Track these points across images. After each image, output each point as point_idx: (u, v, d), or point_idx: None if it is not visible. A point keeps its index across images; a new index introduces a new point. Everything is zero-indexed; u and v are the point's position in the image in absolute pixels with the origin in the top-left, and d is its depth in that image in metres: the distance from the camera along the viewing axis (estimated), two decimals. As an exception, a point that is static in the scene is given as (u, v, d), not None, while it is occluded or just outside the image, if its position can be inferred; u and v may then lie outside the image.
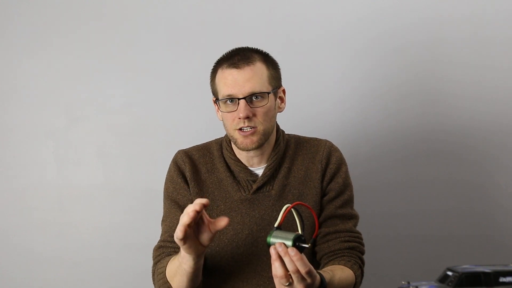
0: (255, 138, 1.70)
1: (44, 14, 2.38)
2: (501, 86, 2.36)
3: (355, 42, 2.37)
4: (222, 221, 1.50)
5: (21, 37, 2.38)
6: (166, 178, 1.83)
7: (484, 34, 2.36)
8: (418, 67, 2.37)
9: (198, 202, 1.45)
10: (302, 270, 1.38)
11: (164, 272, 1.66)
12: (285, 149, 1.81)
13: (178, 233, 1.46)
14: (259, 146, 1.72)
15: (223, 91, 1.70)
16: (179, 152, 1.83)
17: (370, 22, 2.37)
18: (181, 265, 1.58)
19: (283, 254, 1.38)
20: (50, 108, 2.38)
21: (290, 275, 1.40)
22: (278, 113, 1.79)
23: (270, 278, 1.68)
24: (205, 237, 1.52)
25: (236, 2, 2.38)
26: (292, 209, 1.43)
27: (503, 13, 2.36)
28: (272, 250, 1.39)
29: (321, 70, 2.38)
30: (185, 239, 1.47)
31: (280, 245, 1.38)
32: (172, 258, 1.66)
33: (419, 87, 2.37)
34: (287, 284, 1.40)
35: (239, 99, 1.67)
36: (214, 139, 1.87)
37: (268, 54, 1.77)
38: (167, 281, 1.65)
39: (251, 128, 1.69)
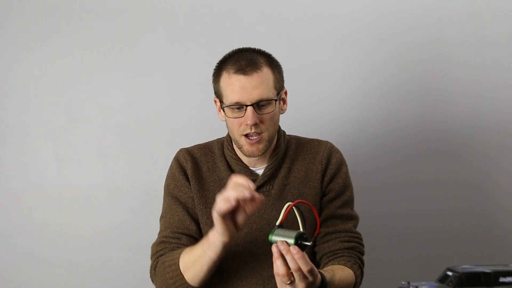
0: (261, 146, 1.71)
1: (44, 14, 2.38)
2: (501, 86, 2.36)
3: (355, 42, 2.37)
4: (259, 200, 1.49)
5: (21, 37, 2.38)
6: (167, 175, 1.83)
7: (483, 34, 2.36)
8: (418, 67, 2.37)
9: (257, 197, 1.47)
10: (304, 269, 1.38)
11: (177, 264, 1.64)
12: (286, 150, 1.81)
13: (223, 206, 1.47)
14: (264, 153, 1.73)
15: (230, 98, 1.69)
16: (181, 150, 1.84)
17: (370, 22, 2.37)
18: (205, 253, 1.58)
19: (285, 252, 1.38)
20: (50, 108, 2.38)
21: (291, 273, 1.40)
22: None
23: (269, 277, 1.69)
24: (240, 218, 1.53)
25: (236, 2, 2.38)
26: (294, 207, 1.43)
27: (504, 13, 2.36)
28: (274, 249, 1.39)
29: (321, 70, 2.38)
30: (225, 215, 1.49)
31: (282, 243, 1.38)
32: (188, 249, 1.65)
33: (419, 87, 2.37)
34: (288, 282, 1.40)
35: (246, 105, 1.67)
36: (215, 138, 1.88)
37: (271, 55, 1.76)
38: (180, 272, 1.64)
39: (257, 134, 1.69)
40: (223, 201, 1.48)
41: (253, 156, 1.73)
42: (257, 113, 1.67)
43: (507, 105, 2.37)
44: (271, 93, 1.70)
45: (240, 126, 1.69)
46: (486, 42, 2.36)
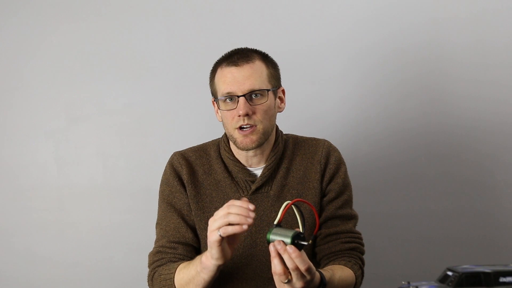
0: (254, 137, 1.69)
1: (45, 14, 2.38)
2: (502, 85, 2.36)
3: (355, 42, 2.37)
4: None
5: (21, 37, 2.38)
6: (162, 180, 1.81)
7: (484, 34, 2.36)
8: (418, 67, 2.37)
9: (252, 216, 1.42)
10: (302, 267, 1.38)
11: (172, 279, 1.64)
12: (284, 149, 1.80)
13: (222, 231, 1.43)
14: (259, 146, 1.71)
15: (222, 89, 1.69)
16: (175, 154, 1.81)
17: (370, 23, 2.37)
18: (199, 274, 1.55)
19: (282, 252, 1.37)
20: (50, 108, 2.38)
21: (289, 272, 1.40)
22: (278, 113, 1.79)
23: (270, 279, 1.68)
24: (235, 239, 1.50)
25: (236, 3, 2.38)
26: (293, 206, 1.43)
27: (504, 13, 2.36)
28: (271, 248, 1.39)
29: (321, 70, 2.38)
30: (222, 240, 1.45)
31: (279, 243, 1.38)
32: (184, 265, 1.64)
33: (419, 87, 2.37)
34: (286, 281, 1.40)
35: (238, 96, 1.67)
36: (210, 140, 1.86)
37: (267, 54, 1.76)
38: None
39: (250, 126, 1.68)
40: (223, 229, 1.42)
41: (247, 149, 1.70)
42: (250, 104, 1.67)
43: (507, 105, 2.37)
44: (263, 85, 1.69)
45: (233, 118, 1.68)
46: (486, 42, 2.36)
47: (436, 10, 2.36)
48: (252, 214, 1.42)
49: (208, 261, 1.51)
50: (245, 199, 1.45)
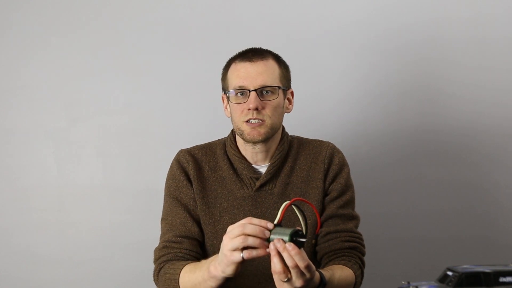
0: (262, 130, 1.72)
1: (44, 14, 2.38)
2: (501, 86, 2.37)
3: (355, 42, 2.37)
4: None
5: (21, 37, 2.38)
6: (168, 176, 1.83)
7: (484, 34, 2.36)
8: (418, 67, 2.37)
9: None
10: (301, 265, 1.38)
11: (177, 280, 1.64)
12: (288, 149, 1.83)
13: (246, 255, 1.40)
14: (266, 139, 1.74)
15: (234, 83, 1.73)
16: (182, 151, 1.84)
17: (370, 22, 2.37)
18: (206, 282, 1.53)
19: (282, 250, 1.38)
20: (50, 108, 2.38)
21: (289, 271, 1.40)
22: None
23: (271, 276, 1.68)
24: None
25: (236, 2, 2.38)
26: (294, 206, 1.43)
27: (504, 14, 2.36)
28: (271, 246, 1.39)
29: (321, 70, 2.38)
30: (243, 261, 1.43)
31: (279, 241, 1.38)
32: (189, 268, 1.62)
33: (419, 87, 2.37)
34: (285, 279, 1.41)
35: (250, 91, 1.70)
36: (216, 139, 1.88)
37: (280, 56, 1.81)
38: None
39: (259, 120, 1.71)
40: (247, 252, 1.40)
41: (254, 141, 1.73)
42: (260, 99, 1.70)
43: (506, 106, 2.37)
44: (275, 82, 1.73)
45: (242, 112, 1.72)
46: (486, 43, 2.36)
47: (436, 9, 2.36)
48: (268, 234, 1.40)
49: (217, 273, 1.49)
50: (265, 221, 1.42)
